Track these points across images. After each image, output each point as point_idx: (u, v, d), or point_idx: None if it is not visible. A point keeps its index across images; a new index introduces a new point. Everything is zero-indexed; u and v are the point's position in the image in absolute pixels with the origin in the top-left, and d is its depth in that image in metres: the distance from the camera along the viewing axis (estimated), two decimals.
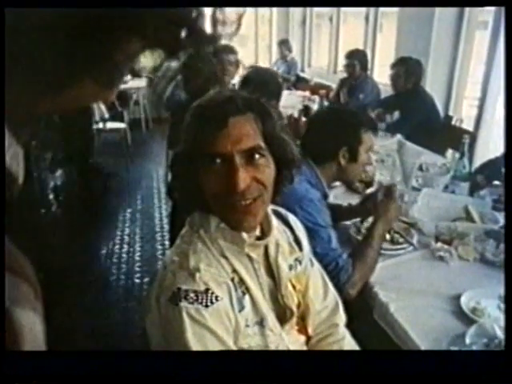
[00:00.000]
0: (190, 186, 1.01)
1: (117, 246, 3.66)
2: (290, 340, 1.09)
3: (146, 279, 3.17)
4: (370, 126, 1.80)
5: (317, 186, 1.70)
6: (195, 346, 0.90)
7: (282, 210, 1.22)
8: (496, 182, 2.35)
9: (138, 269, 3.35)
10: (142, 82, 6.34)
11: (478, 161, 3.11)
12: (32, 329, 0.33)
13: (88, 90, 0.39)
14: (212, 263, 0.98)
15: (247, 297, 1.01)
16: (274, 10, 7.92)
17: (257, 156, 0.96)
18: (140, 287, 3.13)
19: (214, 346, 0.91)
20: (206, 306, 0.92)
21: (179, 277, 0.95)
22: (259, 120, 0.98)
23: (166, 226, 3.91)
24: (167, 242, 3.51)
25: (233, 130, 0.94)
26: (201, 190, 0.99)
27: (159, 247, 3.63)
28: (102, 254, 3.54)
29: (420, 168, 2.60)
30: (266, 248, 1.07)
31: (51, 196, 4.59)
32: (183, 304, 0.91)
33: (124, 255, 3.53)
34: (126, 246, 3.66)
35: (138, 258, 3.49)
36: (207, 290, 0.93)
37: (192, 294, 0.92)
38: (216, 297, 0.93)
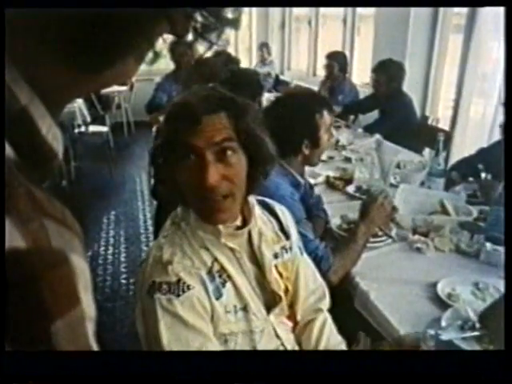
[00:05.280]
0: (168, 178, 1.06)
1: (102, 248, 3.69)
2: (277, 324, 1.16)
3: (132, 280, 3.20)
4: (324, 107, 1.78)
5: (287, 178, 1.72)
6: (166, 336, 0.96)
7: (269, 201, 1.27)
8: (470, 179, 2.46)
9: (123, 270, 3.38)
10: (123, 86, 6.35)
11: (454, 158, 3.22)
12: (84, 273, 0.39)
13: (126, 67, 0.44)
14: (187, 255, 1.03)
15: (229, 284, 1.06)
16: (254, 13, 7.99)
17: (229, 152, 1.01)
18: (126, 288, 3.17)
19: (184, 334, 0.97)
20: (178, 295, 0.98)
21: (155, 270, 1.01)
22: (232, 118, 1.02)
23: (151, 228, 3.96)
24: (152, 243, 3.54)
25: (206, 127, 0.99)
26: (178, 182, 1.05)
27: (144, 248, 3.67)
28: (87, 255, 3.55)
29: (397, 166, 2.68)
30: (250, 237, 1.13)
31: None
32: (157, 295, 0.98)
33: (109, 257, 3.56)
34: (111, 248, 3.69)
35: (123, 259, 3.52)
36: (179, 280, 0.99)
37: (165, 286, 0.98)
38: (188, 286, 0.99)
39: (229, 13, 0.44)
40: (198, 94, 1.06)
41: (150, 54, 0.44)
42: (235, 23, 0.44)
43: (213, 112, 1.01)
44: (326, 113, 1.76)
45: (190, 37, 0.44)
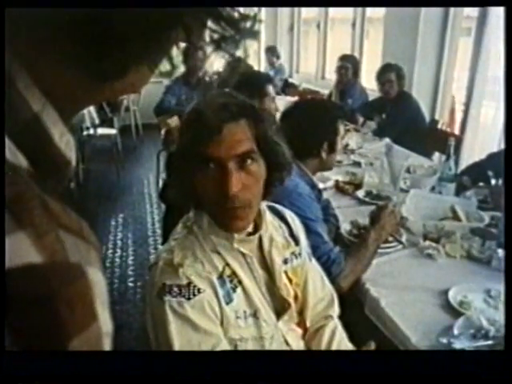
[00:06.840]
0: (184, 184, 1.05)
1: (110, 251, 3.68)
2: (286, 331, 1.15)
3: (140, 283, 3.20)
4: (343, 115, 1.91)
5: (304, 178, 1.75)
6: (177, 339, 0.95)
7: (279, 207, 1.27)
8: (481, 184, 2.43)
9: (131, 273, 3.38)
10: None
11: (464, 163, 3.19)
12: (101, 286, 0.38)
13: (140, 76, 0.43)
14: (198, 259, 1.02)
15: (239, 290, 1.05)
16: (262, 16, 7.99)
17: (249, 161, 1.00)
18: (134, 291, 3.16)
19: (195, 337, 0.97)
20: (188, 298, 0.97)
21: (165, 273, 1.00)
22: (252, 125, 1.01)
23: (158, 231, 3.95)
24: (160, 247, 3.55)
25: (227, 136, 0.97)
26: (195, 188, 1.03)
27: (152, 251, 3.66)
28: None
29: (408, 170, 2.66)
30: (261, 242, 1.12)
31: None
32: (167, 298, 0.97)
33: (117, 259, 3.56)
34: (119, 251, 3.69)
35: (131, 262, 3.52)
36: (189, 283, 0.98)
37: (175, 289, 0.98)
38: (198, 289, 0.99)
39: (247, 23, 0.42)
40: (216, 100, 1.03)
41: (168, 66, 0.43)
42: (254, 33, 0.43)
43: (233, 120, 0.99)
44: (343, 120, 1.87)
45: (206, 44, 0.43)
